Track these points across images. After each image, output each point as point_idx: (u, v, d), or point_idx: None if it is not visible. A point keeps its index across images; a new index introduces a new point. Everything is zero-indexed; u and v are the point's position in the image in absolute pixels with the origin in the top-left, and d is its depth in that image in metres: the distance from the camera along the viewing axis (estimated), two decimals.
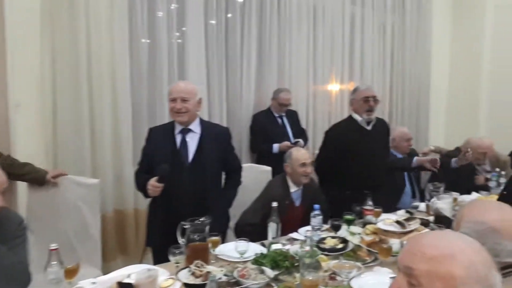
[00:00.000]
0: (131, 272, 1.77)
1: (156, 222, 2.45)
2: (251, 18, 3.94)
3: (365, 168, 3.01)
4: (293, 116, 4.09)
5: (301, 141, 3.90)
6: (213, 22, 3.75)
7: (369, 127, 3.07)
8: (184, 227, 2.00)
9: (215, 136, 2.48)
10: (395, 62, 5.02)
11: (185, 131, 2.43)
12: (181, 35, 3.64)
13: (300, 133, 4.07)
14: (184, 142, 2.41)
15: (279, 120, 3.99)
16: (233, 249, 2.10)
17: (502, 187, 3.15)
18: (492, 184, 3.25)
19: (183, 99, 2.35)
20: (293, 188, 2.80)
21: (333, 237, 2.23)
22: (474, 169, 3.75)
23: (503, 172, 3.40)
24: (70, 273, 1.69)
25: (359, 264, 1.90)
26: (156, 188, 2.28)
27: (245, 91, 4.00)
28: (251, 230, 2.57)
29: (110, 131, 3.23)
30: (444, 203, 2.55)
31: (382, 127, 3.23)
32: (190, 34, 3.61)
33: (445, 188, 2.78)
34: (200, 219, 2.00)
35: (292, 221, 2.59)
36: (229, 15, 3.87)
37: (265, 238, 2.28)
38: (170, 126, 2.47)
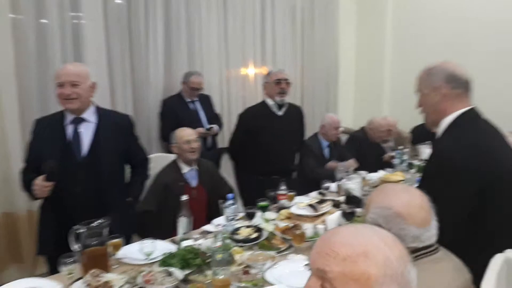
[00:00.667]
0: None
1: (48, 227, 2.15)
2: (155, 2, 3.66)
3: (274, 153, 3.04)
4: (206, 101, 3.91)
5: (215, 126, 3.76)
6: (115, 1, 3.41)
7: (280, 112, 3.07)
8: (78, 232, 1.75)
9: (114, 126, 2.22)
10: (306, 46, 5.06)
11: (77, 120, 2.14)
12: (76, 13, 3.24)
13: (214, 118, 3.92)
14: (76, 134, 2.12)
15: (191, 105, 3.78)
16: (139, 250, 1.90)
17: (405, 164, 3.33)
18: (396, 161, 3.41)
19: (72, 83, 2.05)
20: (185, 169, 2.70)
21: (247, 227, 2.13)
22: (381, 148, 3.92)
23: (406, 150, 3.59)
24: None
25: (273, 253, 1.82)
26: (44, 187, 1.98)
27: (153, 74, 3.74)
28: (148, 219, 2.49)
29: None
30: (353, 183, 2.59)
31: (295, 113, 3.26)
32: (86, 12, 3.23)
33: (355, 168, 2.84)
34: (98, 221, 1.77)
35: (196, 204, 2.46)
36: None
37: (172, 232, 2.11)
38: (59, 116, 2.16)
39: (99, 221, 1.77)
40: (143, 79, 3.70)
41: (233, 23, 4.30)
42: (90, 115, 2.17)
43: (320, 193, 2.77)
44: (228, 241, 1.96)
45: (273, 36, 4.69)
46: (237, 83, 4.44)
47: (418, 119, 4.50)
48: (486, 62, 4.52)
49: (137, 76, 3.68)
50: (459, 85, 1.63)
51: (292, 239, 1.92)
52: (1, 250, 2.88)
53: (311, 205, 2.18)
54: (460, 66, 1.71)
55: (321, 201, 2.24)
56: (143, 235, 2.45)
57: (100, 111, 2.23)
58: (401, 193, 1.24)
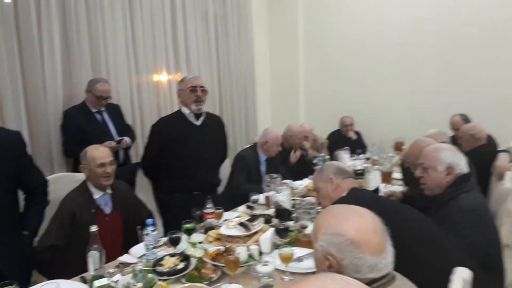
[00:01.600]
0: None
1: None
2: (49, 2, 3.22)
3: (195, 167, 2.78)
4: (115, 111, 3.52)
5: (126, 139, 3.39)
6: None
7: (198, 122, 2.84)
8: None
9: (1, 145, 1.83)
10: (221, 52, 4.90)
11: None
12: None
13: (126, 129, 3.55)
14: None
15: (98, 116, 3.37)
16: None
17: None
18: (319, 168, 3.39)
19: None
20: (97, 194, 2.30)
21: (171, 255, 1.87)
22: (303, 156, 3.89)
23: (327, 157, 3.61)
24: None
25: (204, 285, 1.60)
26: None
27: (50, 83, 3.26)
28: (52, 255, 2.07)
29: None
30: (282, 195, 2.47)
31: (215, 123, 3.04)
32: None
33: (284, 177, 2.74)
34: None
35: (110, 233, 2.15)
36: None
37: (84, 268, 1.78)
38: None
39: None
40: (38, 88, 3.21)
41: (142, 26, 3.98)
42: None
43: (248, 207, 2.61)
44: (150, 275, 1.69)
45: (186, 41, 4.44)
46: (149, 91, 4.12)
47: (332, 125, 4.57)
48: (394, 63, 4.82)
49: (30, 85, 3.18)
50: None
51: (225, 266, 1.72)
52: None
53: (242, 224, 2.00)
54: None
55: (252, 218, 2.07)
56: (47, 274, 2.08)
57: None
58: (352, 216, 1.11)
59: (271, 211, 2.48)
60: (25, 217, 1.97)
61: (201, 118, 2.86)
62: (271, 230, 2.00)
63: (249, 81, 5.27)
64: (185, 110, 2.83)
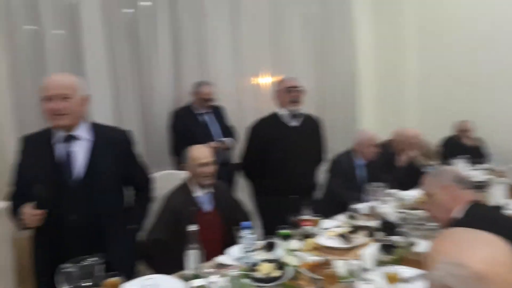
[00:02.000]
0: None
1: (42, 260, 1.86)
2: (163, 8, 3.43)
3: (290, 169, 2.71)
4: (218, 112, 3.63)
5: (228, 140, 3.47)
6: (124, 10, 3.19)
7: (294, 123, 2.77)
8: (65, 271, 1.46)
9: (111, 143, 1.93)
10: (321, 52, 4.75)
11: (68, 138, 1.85)
12: (74, 25, 3.01)
13: (228, 131, 3.63)
14: (66, 154, 1.84)
15: (202, 118, 3.50)
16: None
17: None
18: None
19: (62, 96, 1.77)
20: (197, 193, 2.37)
21: (268, 261, 1.81)
22: (412, 163, 3.56)
23: (440, 166, 3.25)
24: None
25: None
26: (33, 216, 1.71)
27: (161, 85, 3.49)
28: (157, 249, 2.20)
29: None
30: (388, 206, 2.26)
31: (311, 123, 2.95)
32: (85, 23, 3.00)
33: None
34: (90, 259, 1.48)
35: (210, 232, 2.16)
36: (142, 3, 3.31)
37: (183, 264, 1.81)
38: (46, 134, 1.87)
39: (92, 258, 1.49)
40: (151, 90, 3.45)
41: (246, 31, 4.04)
42: (83, 132, 1.88)
43: (349, 217, 2.45)
44: (245, 280, 1.65)
45: (287, 43, 4.40)
46: (251, 93, 4.17)
47: (447, 130, 4.03)
48: None
49: (144, 88, 3.43)
50: None
51: (325, 279, 1.60)
52: None
53: (342, 235, 1.86)
54: None
55: (353, 230, 1.92)
56: (151, 267, 2.19)
57: (95, 127, 1.95)
58: (480, 244, 0.90)
59: (374, 224, 2.28)
60: (132, 212, 2.07)
61: (298, 119, 2.80)
62: (375, 245, 1.82)
63: (350, 82, 5.01)
64: (281, 111, 2.80)
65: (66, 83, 1.81)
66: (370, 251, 1.77)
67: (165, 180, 2.61)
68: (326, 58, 4.79)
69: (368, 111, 5.24)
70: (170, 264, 1.97)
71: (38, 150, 1.85)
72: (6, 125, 2.63)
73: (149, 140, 3.48)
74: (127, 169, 1.99)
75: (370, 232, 2.09)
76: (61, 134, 1.85)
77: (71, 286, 1.46)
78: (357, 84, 5.06)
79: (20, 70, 2.76)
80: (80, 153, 1.86)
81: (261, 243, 2.08)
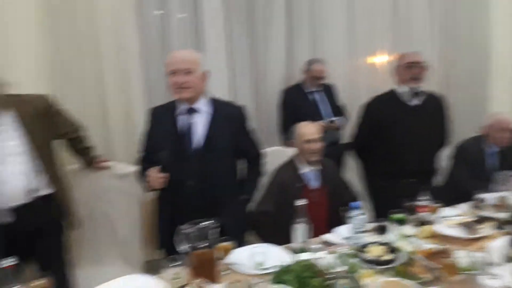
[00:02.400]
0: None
1: (165, 221, 2.06)
2: None
3: (407, 150, 2.53)
4: (329, 91, 3.55)
5: (338, 119, 3.38)
6: None
7: (414, 102, 2.55)
8: (184, 231, 1.58)
9: (227, 117, 2.03)
10: (447, 24, 4.27)
11: (190, 110, 1.99)
12: (194, 4, 3.18)
13: (338, 110, 3.54)
14: (188, 125, 1.98)
15: (312, 96, 3.46)
16: (250, 257, 1.67)
17: None
18: None
19: (185, 71, 1.90)
20: (304, 169, 2.38)
21: (379, 244, 1.73)
22: None
23: None
24: None
25: (412, 284, 1.41)
26: (158, 179, 1.88)
27: (273, 63, 3.52)
28: (265, 220, 2.28)
29: (121, 113, 2.86)
30: None
31: (434, 103, 2.68)
32: (206, 2, 3.14)
33: None
34: (206, 222, 1.58)
35: (315, 209, 2.12)
36: None
37: (289, 237, 1.84)
38: (172, 106, 2.04)
39: (208, 222, 1.58)
40: (263, 68, 3.52)
41: (361, 7, 3.85)
42: (203, 105, 2.01)
43: (475, 207, 2.20)
44: (354, 259, 1.61)
45: (408, 16, 4.06)
46: (365, 72, 3.99)
47: None
48: None
49: (257, 65, 3.50)
50: None
51: (441, 269, 1.47)
52: None
53: (465, 224, 1.69)
54: None
55: (479, 220, 1.72)
56: (259, 236, 2.27)
57: (213, 101, 2.07)
58: None
59: (504, 215, 2.03)
60: (243, 183, 2.16)
61: (419, 98, 2.58)
62: (505, 239, 1.61)
63: (481, 57, 4.41)
64: (400, 89, 2.60)
65: (189, 58, 1.93)
66: (499, 244, 1.57)
67: (274, 156, 2.65)
68: (453, 29, 4.29)
69: (502, 91, 4.58)
70: (277, 236, 2.02)
71: (163, 120, 2.02)
72: (137, 99, 2.91)
73: (260, 116, 3.57)
74: (241, 142, 2.08)
75: (499, 224, 1.85)
76: (183, 106, 1.99)
77: (189, 246, 1.57)
78: (489, 59, 4.46)
79: (149, 49, 3.02)
80: (199, 124, 1.98)
81: (372, 225, 1.99)
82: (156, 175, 1.89)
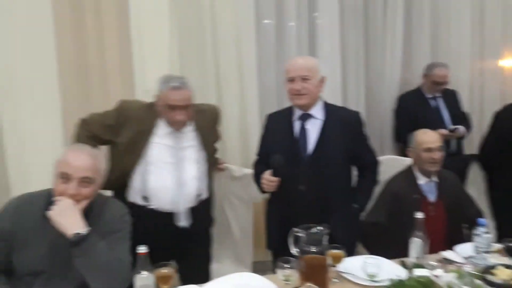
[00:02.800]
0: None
1: (273, 223, 2.15)
2: None
3: None
4: (451, 97, 3.29)
5: (461, 127, 3.12)
6: None
7: None
8: (297, 234, 1.63)
9: (342, 123, 2.03)
10: None
11: (305, 117, 2.04)
12: (311, 9, 3.21)
13: (461, 118, 3.26)
14: (303, 130, 2.03)
15: (432, 102, 3.25)
16: (362, 267, 1.65)
17: None
18: None
19: (303, 78, 1.95)
20: (421, 180, 2.23)
21: (507, 266, 1.57)
22: None
23: None
24: (164, 279, 1.49)
25: None
26: (270, 182, 1.96)
27: (389, 68, 3.38)
28: (375, 231, 2.19)
29: (237, 118, 3.04)
30: None
31: None
32: (322, 10, 3.16)
33: None
34: (318, 227, 1.60)
35: (432, 223, 1.99)
36: None
37: (401, 251, 1.76)
38: (288, 112, 2.11)
39: (320, 227, 1.60)
40: (378, 73, 3.40)
41: (492, 7, 3.49)
42: (317, 111, 2.04)
43: None
44: (477, 281, 1.48)
45: None
46: (494, 77, 3.61)
47: None
48: None
49: (371, 71, 3.41)
50: None
51: None
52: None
53: None
54: None
55: None
56: (369, 249, 2.21)
57: (328, 107, 2.08)
58: None
59: None
60: (356, 192, 2.13)
61: None
62: None
63: None
64: None
65: (307, 66, 1.98)
66: None
67: (388, 165, 2.56)
68: None
69: None
70: (387, 249, 1.95)
71: (279, 126, 2.11)
72: (252, 105, 3.07)
73: (371, 123, 3.46)
74: (356, 149, 2.06)
75: None
76: (299, 112, 2.05)
77: (300, 250, 1.61)
78: None
79: (263, 57, 3.15)
80: (313, 130, 2.02)
81: (497, 245, 1.81)
82: (269, 178, 1.96)
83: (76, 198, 1.54)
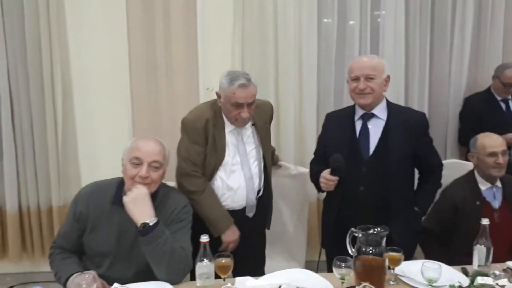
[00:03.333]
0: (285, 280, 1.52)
1: (329, 221, 2.14)
2: None
3: None
4: None
5: None
6: None
7: None
8: (355, 235, 1.63)
9: (406, 124, 1.98)
10: None
11: (367, 116, 2.01)
12: (377, 12, 3.15)
13: None
14: (365, 130, 2.00)
15: (503, 105, 3.07)
16: (421, 270, 1.62)
17: None
18: None
19: (367, 77, 1.92)
20: (484, 186, 2.13)
21: None
22: None
23: None
24: (223, 268, 1.56)
25: None
26: (329, 181, 1.96)
27: (455, 68, 3.23)
28: (434, 236, 2.16)
29: (294, 117, 3.07)
30: None
31: None
32: (388, 9, 3.09)
33: None
34: (376, 229, 1.59)
35: (497, 231, 1.87)
36: None
37: (462, 258, 1.71)
38: (350, 111, 2.09)
39: (378, 229, 1.59)
40: (443, 74, 3.25)
41: None
42: (380, 111, 2.01)
43: None
44: None
45: None
46: None
47: None
48: None
49: (436, 71, 3.27)
50: None
51: None
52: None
53: None
54: None
55: None
56: (427, 253, 2.16)
57: (392, 107, 2.04)
58: None
59: None
60: (418, 195, 2.08)
61: None
62: None
63: None
64: None
65: (372, 65, 1.95)
66: None
67: (451, 169, 2.45)
68: None
69: None
70: (445, 255, 1.89)
71: (340, 125, 2.09)
72: (309, 103, 3.08)
73: (434, 126, 3.32)
74: (420, 150, 2.00)
75: None
76: (361, 111, 2.03)
77: (357, 249, 1.61)
78: None
79: (323, 55, 3.13)
80: (375, 130, 1.99)
81: None
82: (328, 178, 1.96)
83: (146, 182, 1.65)
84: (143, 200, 1.60)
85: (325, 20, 3.13)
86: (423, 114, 2.09)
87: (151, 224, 1.56)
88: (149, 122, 3.03)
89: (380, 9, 3.13)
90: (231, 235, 2.05)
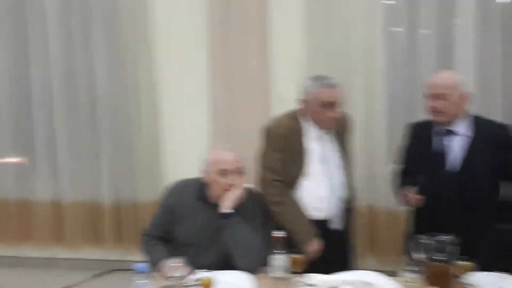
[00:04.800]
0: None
1: (413, 233, 2.10)
2: None
3: None
4: None
5: None
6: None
7: None
8: (422, 242, 1.67)
9: (490, 138, 1.96)
10: None
11: (445, 132, 2.02)
12: (450, 20, 3.08)
13: None
14: (442, 147, 2.02)
15: None
16: (494, 282, 1.62)
17: None
18: None
19: (440, 96, 1.94)
20: None
21: None
22: None
23: None
24: (297, 263, 1.69)
25: None
26: (415, 199, 1.99)
27: None
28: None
29: (363, 126, 3.08)
30: None
31: None
32: (462, 18, 3.02)
33: None
34: (445, 236, 1.62)
35: None
36: None
37: None
38: (429, 124, 2.09)
39: (447, 237, 1.63)
40: None
41: None
42: (461, 128, 2.00)
43: None
44: None
45: None
46: None
47: None
48: None
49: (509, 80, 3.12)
50: None
51: None
52: (363, 238, 3.07)
53: None
54: None
55: None
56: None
57: (477, 122, 2.01)
58: None
59: None
60: (504, 209, 2.04)
61: None
62: None
63: None
64: None
65: (443, 83, 1.96)
66: None
67: None
68: None
69: None
70: None
71: (421, 137, 2.11)
72: (380, 114, 3.09)
73: None
74: (507, 162, 1.96)
75: None
76: (440, 127, 2.03)
77: (426, 256, 1.65)
78: None
79: (394, 65, 3.12)
80: (456, 147, 1.99)
81: None
82: (414, 196, 1.98)
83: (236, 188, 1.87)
84: (234, 198, 1.87)
85: (395, 29, 3.13)
86: (506, 126, 2.06)
87: (231, 211, 1.81)
88: (228, 126, 3.27)
89: (454, 17, 3.06)
90: (312, 247, 2.03)
